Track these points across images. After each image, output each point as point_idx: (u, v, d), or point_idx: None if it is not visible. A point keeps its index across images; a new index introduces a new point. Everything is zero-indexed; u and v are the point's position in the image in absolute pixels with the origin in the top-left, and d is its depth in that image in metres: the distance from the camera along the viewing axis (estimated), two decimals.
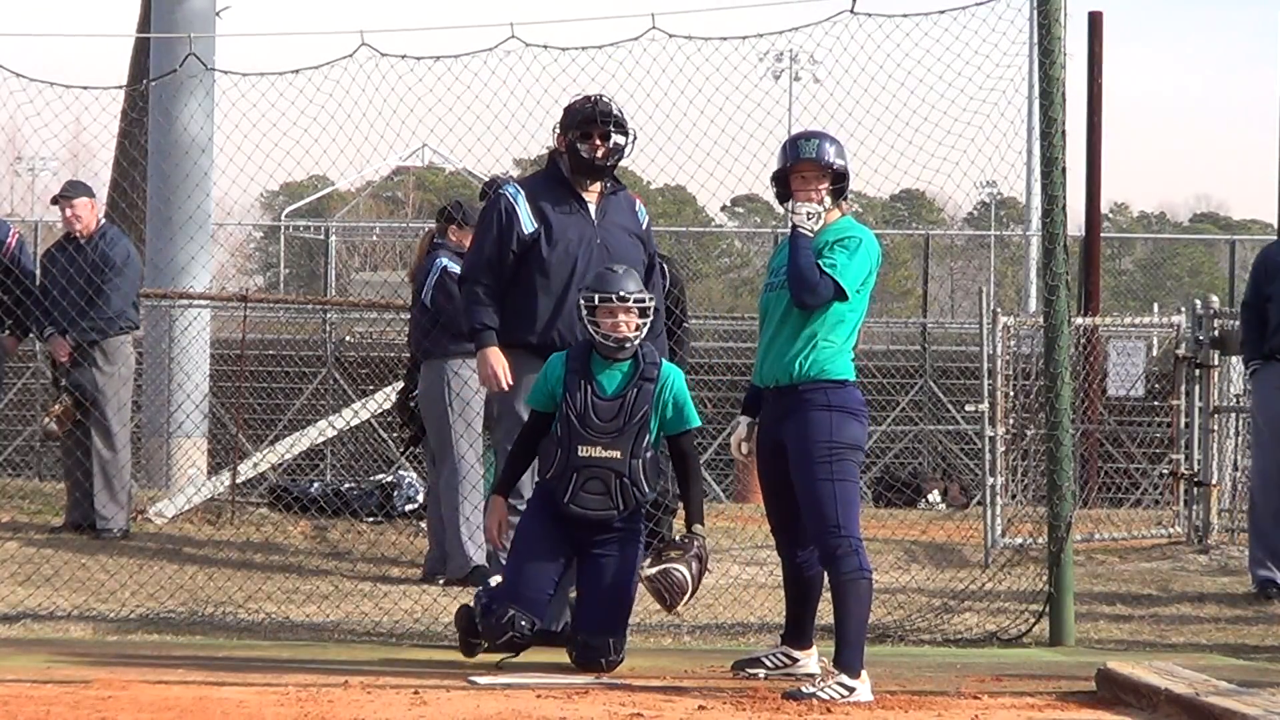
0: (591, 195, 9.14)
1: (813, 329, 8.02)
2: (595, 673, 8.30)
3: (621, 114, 9.11)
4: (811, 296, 7.98)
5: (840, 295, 8.00)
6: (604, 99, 9.16)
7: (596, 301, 8.41)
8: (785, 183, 8.21)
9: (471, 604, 8.65)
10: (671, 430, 8.54)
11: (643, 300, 8.46)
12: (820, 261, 8.00)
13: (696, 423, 8.59)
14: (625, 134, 9.10)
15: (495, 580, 8.68)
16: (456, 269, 11.82)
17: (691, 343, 12.86)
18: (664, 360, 8.67)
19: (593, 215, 9.10)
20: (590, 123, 9.02)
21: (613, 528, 8.47)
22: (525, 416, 8.70)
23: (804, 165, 8.15)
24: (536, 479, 8.68)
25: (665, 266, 11.04)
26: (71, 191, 13.02)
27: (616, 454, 8.41)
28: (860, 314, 8.15)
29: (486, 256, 9.08)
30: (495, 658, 8.47)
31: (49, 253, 13.32)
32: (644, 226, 9.29)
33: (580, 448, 8.39)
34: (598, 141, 9.03)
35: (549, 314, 8.98)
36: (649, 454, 8.46)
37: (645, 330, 8.49)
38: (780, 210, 8.43)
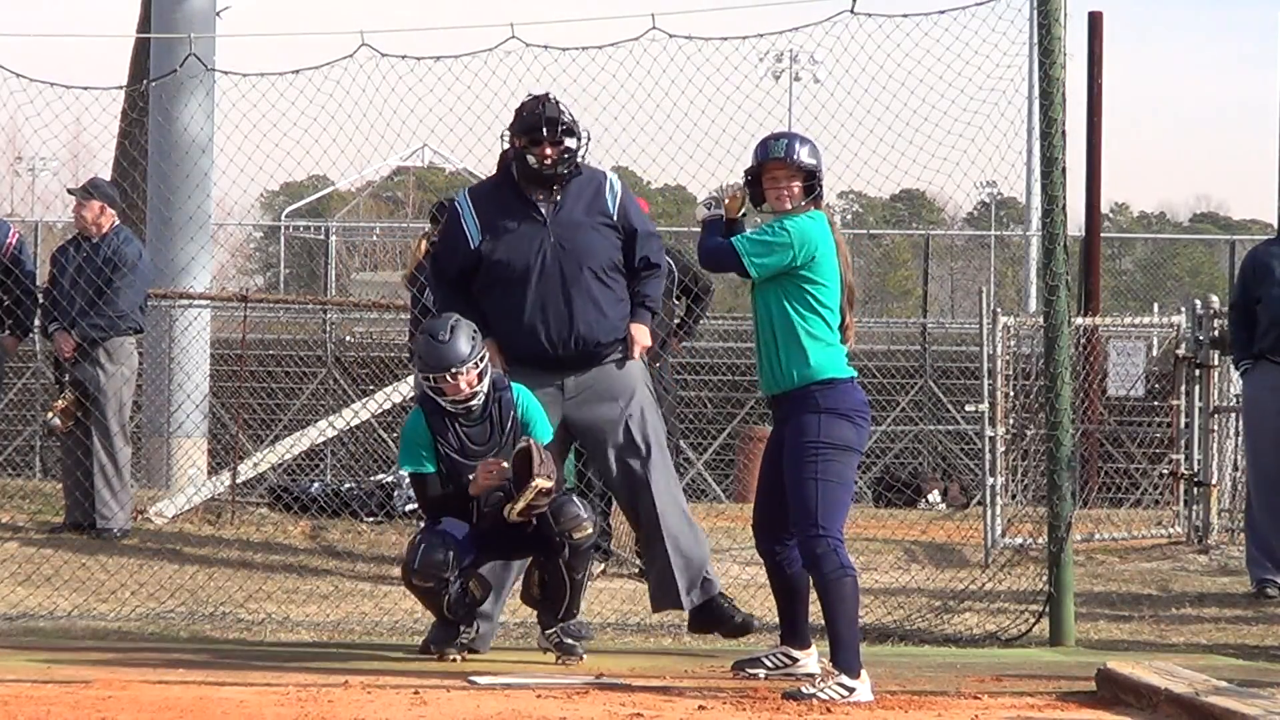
0: (544, 191, 8.80)
1: (788, 322, 8.00)
2: (579, 540, 8.40)
3: (572, 118, 8.75)
4: (706, 256, 8.21)
5: (736, 258, 8.01)
6: (552, 101, 8.78)
7: (434, 381, 8.41)
8: (759, 182, 8.20)
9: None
10: None
11: (478, 358, 8.41)
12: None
13: (549, 437, 8.57)
14: (576, 137, 8.75)
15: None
16: None
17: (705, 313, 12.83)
18: (512, 383, 8.62)
19: (544, 214, 8.75)
20: (537, 129, 8.68)
21: None
22: None
23: (773, 165, 8.14)
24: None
25: (669, 260, 11.02)
26: (88, 193, 12.98)
27: (504, 464, 8.44)
28: (831, 291, 8.04)
29: (441, 269, 9.00)
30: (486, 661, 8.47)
31: (61, 248, 13.30)
32: (615, 204, 8.86)
33: (470, 476, 8.46)
34: (547, 149, 8.68)
35: (510, 329, 8.74)
36: None
37: (487, 379, 8.44)
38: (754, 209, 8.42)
